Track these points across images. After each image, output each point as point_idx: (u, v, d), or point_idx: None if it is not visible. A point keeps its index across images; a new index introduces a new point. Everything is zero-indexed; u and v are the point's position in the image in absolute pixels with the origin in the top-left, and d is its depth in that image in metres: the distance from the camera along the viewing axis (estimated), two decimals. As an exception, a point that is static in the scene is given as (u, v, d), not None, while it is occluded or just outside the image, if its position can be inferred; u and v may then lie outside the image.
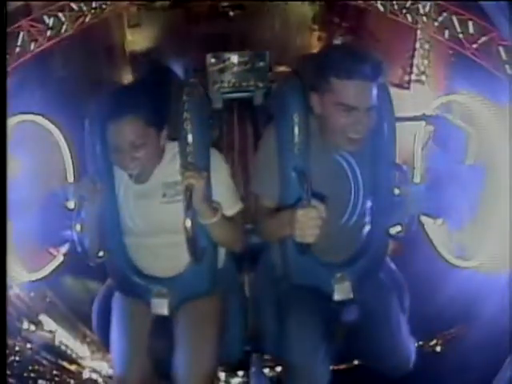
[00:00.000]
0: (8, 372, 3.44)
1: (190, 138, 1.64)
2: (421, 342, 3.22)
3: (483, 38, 4.58)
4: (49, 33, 5.44)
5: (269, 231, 1.69)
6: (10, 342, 3.82)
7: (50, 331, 4.45)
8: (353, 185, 1.68)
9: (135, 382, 1.65)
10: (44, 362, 4.15)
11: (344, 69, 1.45)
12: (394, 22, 5.71)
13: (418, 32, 6.22)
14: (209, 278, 1.76)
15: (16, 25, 5.08)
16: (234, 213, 1.69)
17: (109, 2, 6.01)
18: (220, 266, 1.84)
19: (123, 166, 1.58)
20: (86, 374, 4.37)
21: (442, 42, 5.34)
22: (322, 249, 1.56)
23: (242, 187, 1.86)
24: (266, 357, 2.16)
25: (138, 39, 8.23)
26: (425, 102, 2.38)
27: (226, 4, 8.25)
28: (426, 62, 6.50)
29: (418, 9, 5.44)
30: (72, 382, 4.28)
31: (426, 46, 6.40)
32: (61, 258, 2.22)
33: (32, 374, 3.97)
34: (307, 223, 1.34)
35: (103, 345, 1.86)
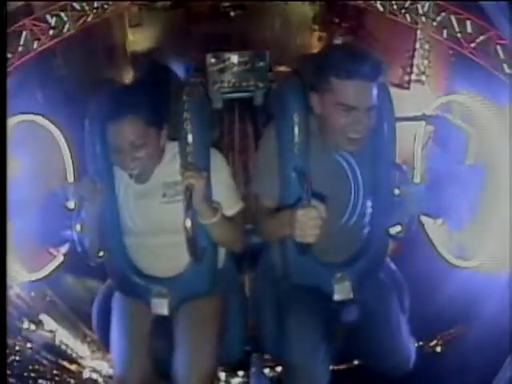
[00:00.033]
0: (8, 372, 3.44)
1: (190, 137, 1.64)
2: (421, 343, 3.22)
3: (481, 37, 4.60)
4: (51, 32, 5.47)
5: (269, 231, 1.69)
6: (10, 341, 3.83)
7: (51, 331, 4.45)
8: (353, 185, 1.68)
9: (135, 382, 1.65)
10: (44, 361, 4.16)
11: (344, 69, 1.45)
12: (394, 22, 5.72)
13: (418, 32, 6.23)
14: (209, 278, 1.76)
15: (19, 24, 5.10)
16: (234, 213, 1.70)
17: (110, 2, 6.02)
18: (220, 266, 1.84)
19: (123, 166, 1.58)
20: (86, 374, 4.38)
21: (442, 41, 5.35)
22: (322, 249, 1.56)
23: (242, 187, 1.85)
24: (266, 357, 2.16)
25: (139, 39, 8.25)
26: (425, 102, 2.38)
27: (226, 4, 8.26)
28: (426, 62, 6.51)
29: (417, 9, 5.46)
30: (72, 381, 4.29)
31: (426, 46, 6.42)
32: (61, 258, 2.21)
33: (32, 374, 3.97)
34: (307, 223, 1.35)
35: (103, 345, 1.86)
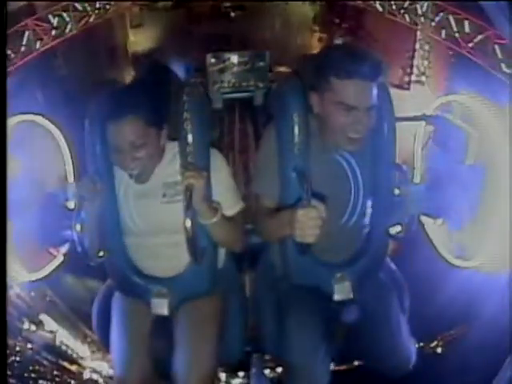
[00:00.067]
0: (9, 372, 3.44)
1: (190, 137, 1.64)
2: (422, 344, 3.22)
3: (479, 37, 4.62)
4: (53, 32, 5.51)
5: (269, 231, 1.69)
6: (10, 342, 3.82)
7: (51, 331, 4.45)
8: (353, 185, 1.68)
9: (135, 382, 1.65)
10: (45, 362, 4.16)
11: (344, 68, 1.45)
12: (394, 23, 5.74)
13: (418, 33, 6.24)
14: (209, 278, 1.76)
15: (21, 24, 5.12)
16: (234, 213, 1.70)
17: (112, 3, 6.04)
18: (220, 266, 1.85)
19: (123, 166, 1.58)
20: (86, 375, 4.38)
21: (442, 42, 5.37)
22: (322, 249, 1.56)
23: (242, 187, 1.86)
24: (267, 357, 2.15)
25: (140, 39, 8.27)
26: (425, 103, 2.38)
27: (227, 5, 8.28)
28: (425, 62, 6.52)
29: (415, 9, 5.47)
30: (73, 382, 4.29)
31: (426, 47, 6.43)
32: (61, 258, 2.21)
33: (32, 375, 3.97)
34: (307, 223, 1.35)
35: (103, 345, 1.86)
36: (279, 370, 2.06)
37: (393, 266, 1.96)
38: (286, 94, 1.64)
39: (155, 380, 1.71)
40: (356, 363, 2.44)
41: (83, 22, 5.78)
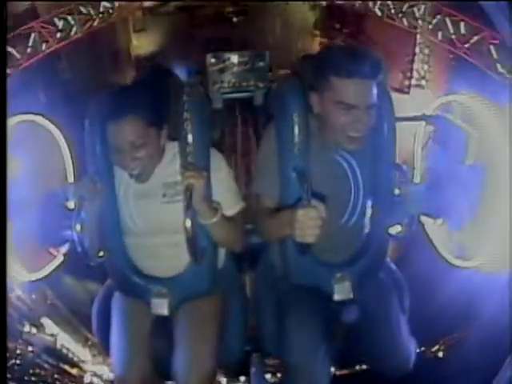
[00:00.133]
0: (9, 375, 3.44)
1: (190, 137, 1.64)
2: (423, 348, 3.21)
3: (475, 38, 4.63)
4: (59, 35, 5.54)
5: (269, 231, 1.69)
6: (11, 344, 3.81)
7: (52, 334, 4.44)
8: (353, 185, 1.68)
9: (135, 382, 1.65)
10: (45, 365, 4.15)
11: (344, 68, 1.45)
12: (394, 27, 5.76)
13: (418, 36, 6.25)
14: (209, 278, 1.76)
15: (28, 26, 5.16)
16: (234, 213, 1.69)
17: (116, 5, 6.07)
18: (220, 266, 1.84)
19: (124, 166, 1.58)
20: (87, 378, 4.37)
21: (440, 45, 5.39)
22: (322, 249, 1.56)
23: (243, 189, 1.85)
24: (268, 361, 2.15)
25: (143, 43, 8.29)
26: (425, 106, 2.38)
27: (229, 10, 8.32)
28: (426, 66, 6.53)
29: (413, 12, 5.49)
30: (73, 385, 4.28)
31: (426, 51, 6.44)
32: (61, 258, 2.21)
33: (33, 378, 3.96)
34: (307, 223, 1.34)
35: (103, 345, 1.86)
36: (280, 374, 2.05)
37: (393, 266, 1.96)
38: (286, 94, 1.64)
39: (155, 380, 1.71)
40: (357, 368, 2.44)
41: (88, 25, 5.82)
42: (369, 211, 1.72)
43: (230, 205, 1.68)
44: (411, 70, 6.69)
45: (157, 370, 1.70)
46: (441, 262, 2.34)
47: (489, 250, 2.11)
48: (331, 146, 1.62)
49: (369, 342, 1.77)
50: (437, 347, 3.41)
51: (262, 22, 8.32)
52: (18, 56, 4.96)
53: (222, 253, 1.84)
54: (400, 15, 5.64)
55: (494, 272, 2.12)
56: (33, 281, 2.34)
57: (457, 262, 2.25)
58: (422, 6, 5.38)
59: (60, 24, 5.55)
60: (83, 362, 4.51)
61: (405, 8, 5.56)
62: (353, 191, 1.68)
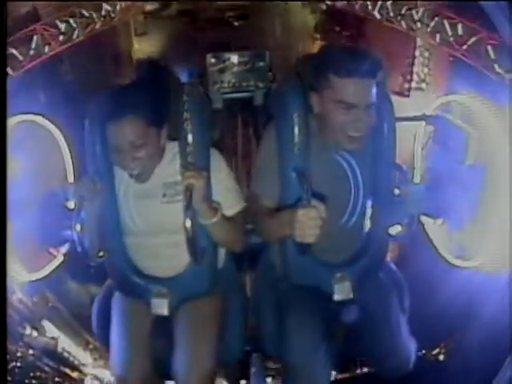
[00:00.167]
0: (9, 378, 3.44)
1: (190, 137, 1.64)
2: (424, 351, 3.21)
3: (472, 39, 4.65)
4: (61, 38, 5.57)
5: (269, 231, 1.68)
6: (12, 347, 3.81)
7: (53, 337, 4.44)
8: (353, 185, 1.68)
9: (135, 382, 1.65)
10: (46, 368, 4.14)
11: (344, 67, 1.46)
12: (394, 30, 5.78)
13: (418, 39, 6.27)
14: (209, 278, 1.76)
15: (30, 28, 5.19)
16: (234, 213, 1.69)
17: (118, 8, 6.10)
18: (220, 266, 1.84)
19: (124, 166, 1.58)
20: (87, 382, 4.37)
21: (439, 47, 5.41)
22: (322, 249, 1.56)
23: (244, 190, 1.85)
24: (269, 365, 2.15)
25: (144, 47, 8.30)
26: (425, 109, 2.39)
27: (231, 14, 8.36)
28: (426, 69, 6.54)
29: (411, 15, 5.51)
30: (74, 388, 4.28)
31: (426, 54, 6.45)
32: (61, 258, 2.21)
33: (33, 381, 3.96)
34: (307, 223, 1.34)
35: (103, 345, 1.86)
36: (280, 377, 2.05)
37: (393, 266, 1.96)
38: (286, 94, 1.64)
39: (155, 380, 1.71)
40: (358, 371, 2.44)
41: (89, 28, 5.85)
42: (369, 211, 1.72)
43: (230, 205, 1.68)
44: (411, 73, 6.70)
45: (157, 370, 1.70)
46: (441, 262, 2.34)
47: (489, 250, 2.11)
48: (331, 146, 1.62)
49: (369, 342, 1.77)
50: (437, 350, 3.40)
51: (262, 25, 8.35)
52: (20, 58, 4.98)
53: (222, 253, 1.84)
54: (399, 18, 5.66)
55: (493, 272, 2.12)
56: (33, 281, 2.34)
57: (457, 262, 2.25)
58: (421, 9, 5.41)
59: (62, 27, 5.59)
60: (84, 365, 4.51)
61: (403, 11, 5.58)
62: (353, 191, 1.68)
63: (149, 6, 7.74)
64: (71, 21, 5.67)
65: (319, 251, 1.61)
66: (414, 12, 5.50)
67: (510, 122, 2.03)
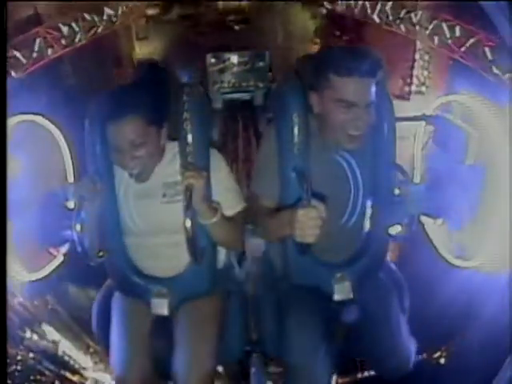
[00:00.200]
0: (9, 381, 3.44)
1: (189, 138, 1.64)
2: (425, 355, 3.21)
3: (470, 41, 4.68)
4: (63, 41, 5.62)
5: (269, 231, 1.68)
6: (12, 350, 3.81)
7: (53, 341, 4.44)
8: (353, 185, 1.68)
9: (135, 382, 1.65)
10: (46, 372, 4.14)
11: (344, 66, 1.46)
12: (394, 34, 5.80)
13: (418, 43, 6.29)
14: (209, 278, 1.76)
15: (33, 31, 5.21)
16: (234, 213, 1.69)
17: (120, 12, 6.13)
18: (220, 266, 1.84)
19: (123, 166, 1.58)
20: (88, 385, 4.37)
21: (438, 50, 5.44)
22: (322, 249, 1.56)
23: (245, 190, 1.85)
24: (270, 370, 2.14)
25: (145, 51, 8.33)
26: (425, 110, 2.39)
27: (231, 18, 8.40)
28: (425, 72, 6.56)
29: (410, 18, 5.53)
30: (74, 392, 4.27)
31: (426, 57, 6.47)
32: (61, 258, 2.22)
33: (33, 384, 3.96)
34: (307, 223, 1.34)
35: (102, 345, 1.86)
36: (281, 380, 2.05)
37: (393, 266, 1.96)
38: (286, 94, 1.64)
39: (155, 380, 1.71)
40: (359, 376, 2.43)
41: (92, 32, 5.89)
42: (369, 211, 1.72)
43: (230, 205, 1.68)
44: (411, 76, 6.72)
45: (157, 370, 1.69)
46: (441, 262, 2.34)
47: (489, 250, 2.11)
48: (331, 146, 1.62)
49: (369, 342, 1.77)
50: (439, 354, 3.39)
51: (263, 29, 8.37)
52: (24, 61, 5.01)
53: (222, 253, 1.84)
54: (398, 21, 5.69)
55: (493, 272, 2.12)
56: (33, 281, 2.34)
57: (457, 262, 2.25)
58: (419, 12, 5.44)
59: (65, 30, 5.64)
60: (84, 368, 4.51)
61: (402, 14, 5.61)
62: (353, 191, 1.68)
63: (150, 11, 7.77)
64: (74, 24, 5.72)
65: (319, 251, 1.61)
66: (412, 15, 5.53)
67: (509, 122, 2.03)
